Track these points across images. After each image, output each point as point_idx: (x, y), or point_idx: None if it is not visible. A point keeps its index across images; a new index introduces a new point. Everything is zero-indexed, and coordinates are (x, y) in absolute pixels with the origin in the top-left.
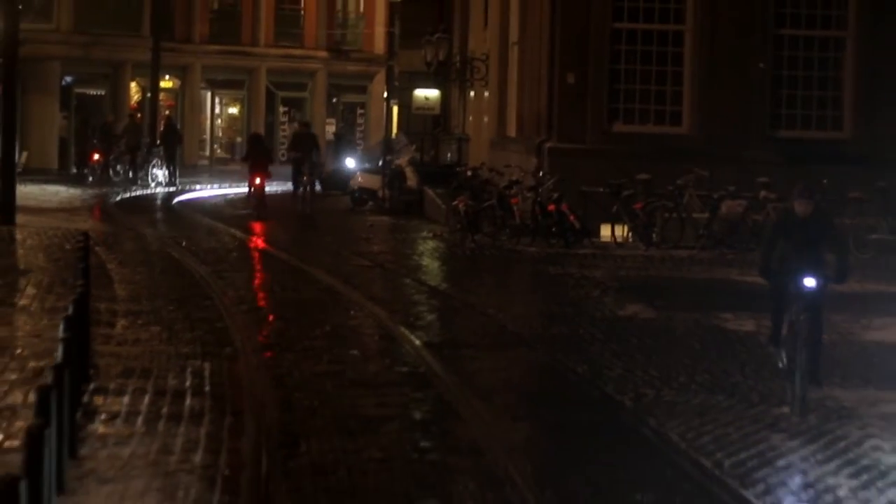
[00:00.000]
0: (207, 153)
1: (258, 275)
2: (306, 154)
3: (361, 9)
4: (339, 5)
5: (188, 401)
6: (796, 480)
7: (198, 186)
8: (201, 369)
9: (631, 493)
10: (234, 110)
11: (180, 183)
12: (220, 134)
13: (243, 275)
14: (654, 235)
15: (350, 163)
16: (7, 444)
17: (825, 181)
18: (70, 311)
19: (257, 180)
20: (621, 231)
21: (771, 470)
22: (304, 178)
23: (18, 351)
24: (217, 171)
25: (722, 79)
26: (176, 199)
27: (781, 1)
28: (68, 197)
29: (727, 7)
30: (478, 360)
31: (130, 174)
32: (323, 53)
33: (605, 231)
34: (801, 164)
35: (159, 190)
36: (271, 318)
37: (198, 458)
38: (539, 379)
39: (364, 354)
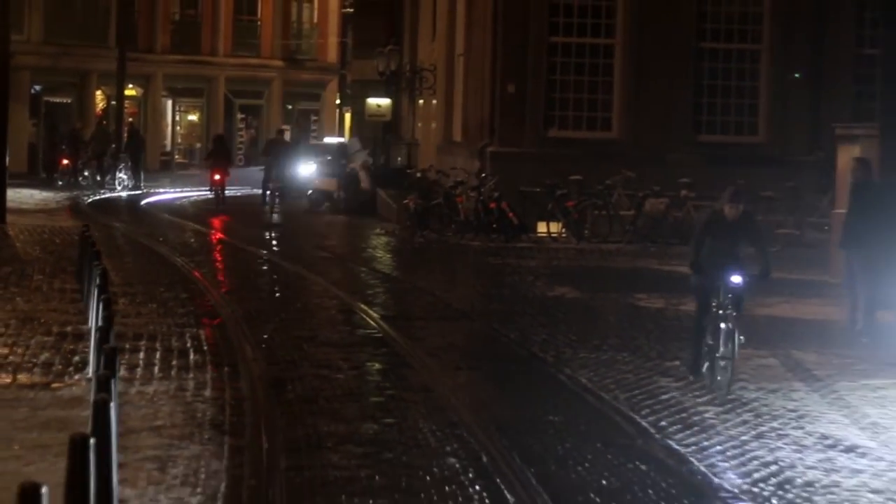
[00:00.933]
0: (168, 158)
1: (232, 264)
2: (278, 160)
3: (315, 20)
4: (293, 16)
5: (192, 356)
6: (674, 408)
7: (161, 189)
8: (198, 335)
9: (545, 416)
10: (193, 117)
11: (145, 186)
12: (180, 140)
13: (218, 264)
14: (585, 231)
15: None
16: (54, 384)
17: (741, 181)
18: (98, 281)
19: (216, 177)
20: (556, 227)
21: (655, 401)
22: (271, 183)
23: (42, 320)
24: (178, 175)
25: (649, 88)
26: (144, 201)
27: (702, 17)
28: (43, 199)
29: (653, 23)
30: (426, 328)
31: (98, 178)
32: (278, 63)
33: (542, 227)
34: (720, 165)
35: (126, 193)
36: (250, 297)
37: (207, 393)
38: (478, 342)
39: (331, 324)
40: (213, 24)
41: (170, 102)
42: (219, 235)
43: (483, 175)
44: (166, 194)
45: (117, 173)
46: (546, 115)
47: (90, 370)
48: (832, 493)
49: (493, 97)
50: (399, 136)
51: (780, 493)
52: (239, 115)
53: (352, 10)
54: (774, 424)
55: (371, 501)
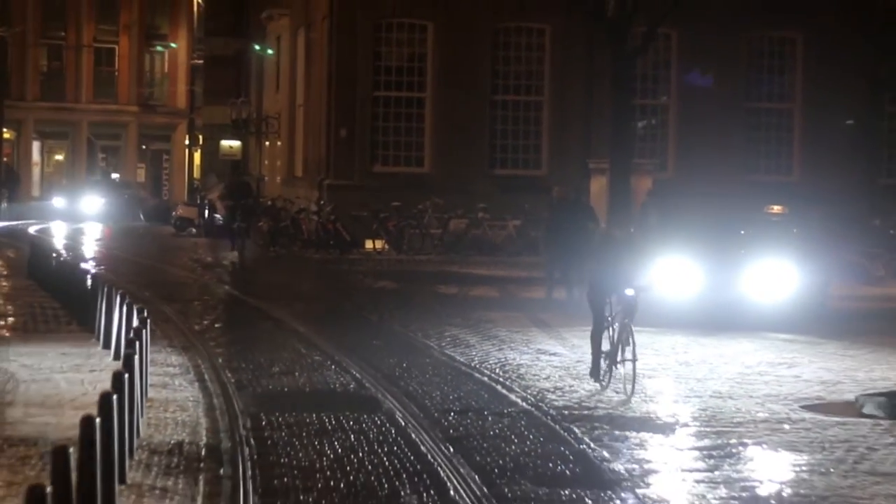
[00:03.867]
0: (38, 193)
1: (131, 270)
2: (239, 202)
3: (166, 70)
4: (147, 67)
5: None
6: (452, 338)
7: (38, 220)
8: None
9: (371, 341)
10: (59, 157)
11: (21, 217)
12: (47, 178)
13: (124, 269)
14: (403, 245)
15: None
16: (59, 330)
17: (527, 206)
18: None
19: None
20: (380, 243)
21: (441, 336)
22: (237, 224)
23: (22, 301)
24: (47, 208)
25: (453, 132)
26: (31, 229)
27: (496, 74)
28: None
29: (456, 80)
30: (286, 304)
31: None
32: (134, 108)
33: (369, 243)
34: (511, 193)
35: (6, 222)
36: (156, 287)
37: (159, 332)
38: (325, 310)
39: (220, 301)
40: (76, 75)
41: (39, 144)
42: (113, 253)
43: (321, 202)
44: (45, 224)
45: (1, 204)
46: (372, 154)
47: (76, 324)
48: (532, 368)
49: (329, 140)
50: (248, 172)
51: (500, 368)
52: (100, 155)
53: (200, 61)
54: (512, 345)
55: (270, 359)
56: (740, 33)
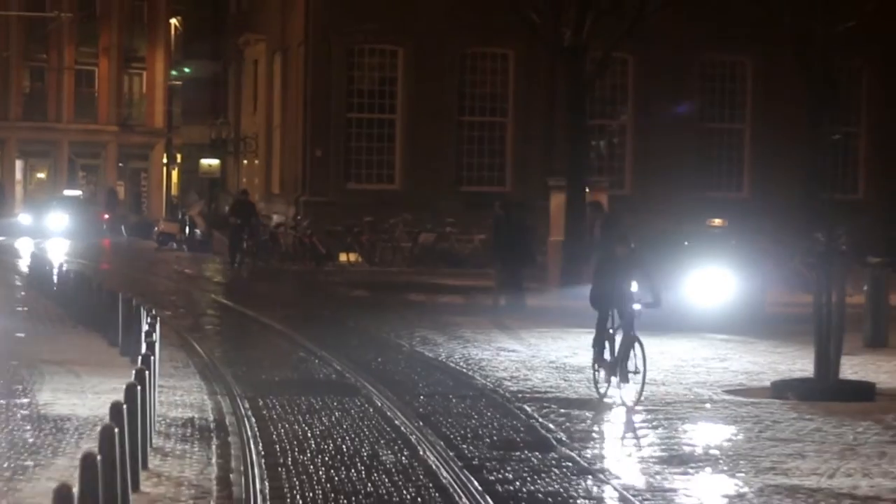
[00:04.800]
0: (19, 211)
1: (126, 280)
2: (245, 221)
3: (144, 90)
4: (125, 88)
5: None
6: (422, 339)
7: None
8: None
9: (350, 342)
10: (41, 175)
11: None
12: (29, 195)
13: (118, 280)
14: (375, 258)
15: None
16: (66, 330)
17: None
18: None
19: (105, 216)
20: (353, 256)
21: (412, 336)
22: (244, 243)
23: (28, 308)
24: (14, 225)
25: (422, 151)
26: (18, 243)
27: (462, 96)
28: None
29: (425, 101)
30: (270, 310)
31: None
32: (113, 128)
33: (343, 256)
34: (477, 209)
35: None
36: (153, 296)
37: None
38: (305, 316)
39: (210, 307)
40: (57, 95)
41: (20, 163)
42: (108, 267)
43: (298, 218)
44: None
45: None
46: (345, 172)
47: (81, 326)
48: (492, 362)
49: (305, 159)
50: (227, 190)
51: (464, 362)
52: (80, 173)
53: (178, 83)
54: (475, 344)
55: (260, 355)
56: (694, 58)
